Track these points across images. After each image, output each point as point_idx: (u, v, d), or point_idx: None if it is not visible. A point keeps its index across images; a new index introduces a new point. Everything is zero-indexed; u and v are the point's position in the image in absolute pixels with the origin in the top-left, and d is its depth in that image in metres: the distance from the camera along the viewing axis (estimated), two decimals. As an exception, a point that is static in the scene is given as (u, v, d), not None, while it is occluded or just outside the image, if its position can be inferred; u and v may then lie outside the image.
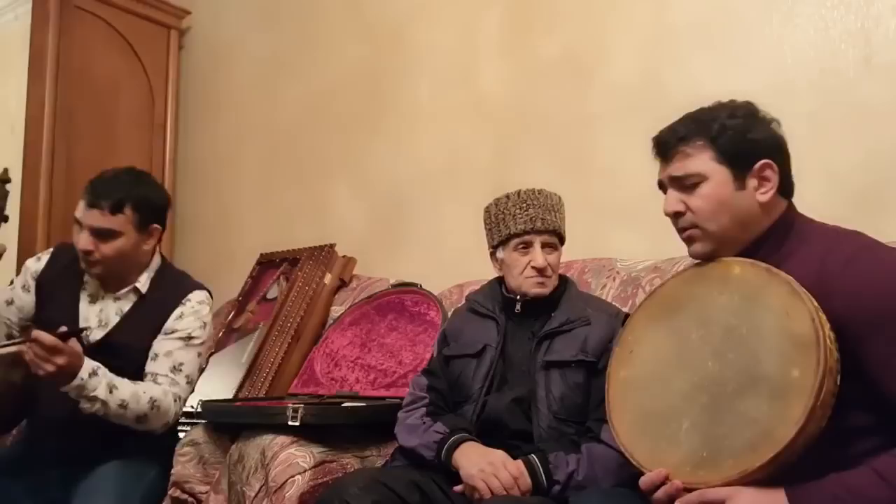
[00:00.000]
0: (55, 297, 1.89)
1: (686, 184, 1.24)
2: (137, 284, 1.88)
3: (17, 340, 1.66)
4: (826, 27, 1.86)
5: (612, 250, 2.01)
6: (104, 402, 1.66)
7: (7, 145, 2.89)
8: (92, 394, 1.64)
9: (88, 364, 1.64)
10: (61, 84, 2.86)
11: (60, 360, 1.57)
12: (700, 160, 1.22)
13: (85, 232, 1.78)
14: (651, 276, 1.83)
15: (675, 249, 1.82)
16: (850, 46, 1.82)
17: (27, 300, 1.91)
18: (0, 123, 2.96)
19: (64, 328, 1.63)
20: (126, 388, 1.71)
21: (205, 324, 1.89)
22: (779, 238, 1.21)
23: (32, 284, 1.91)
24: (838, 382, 1.04)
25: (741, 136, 1.21)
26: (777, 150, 1.23)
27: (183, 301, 1.87)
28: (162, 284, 1.91)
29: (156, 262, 1.94)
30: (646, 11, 2.15)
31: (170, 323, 1.85)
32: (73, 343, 1.62)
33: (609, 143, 2.19)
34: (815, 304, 1.07)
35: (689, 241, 1.27)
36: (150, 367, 1.81)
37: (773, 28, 1.93)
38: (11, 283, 1.96)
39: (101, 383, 1.66)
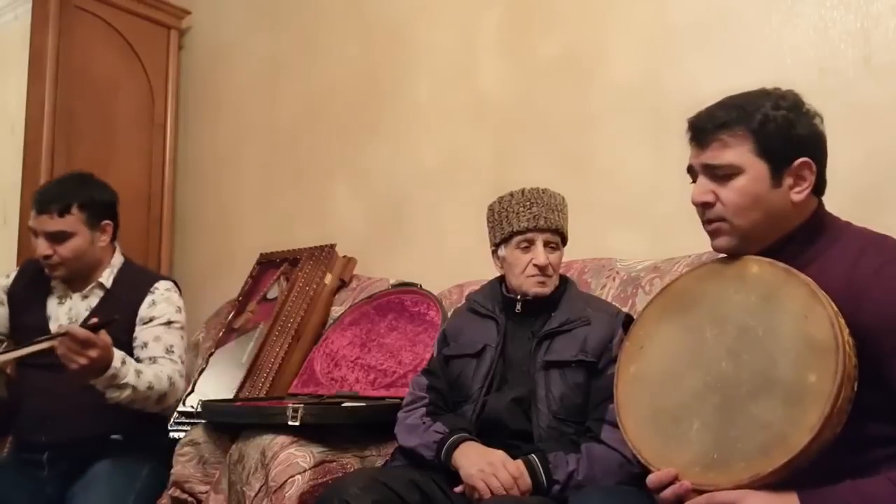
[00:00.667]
0: (25, 305, 1.96)
1: (719, 174, 1.17)
2: (101, 279, 1.94)
3: (46, 338, 1.65)
4: (826, 27, 1.86)
5: (611, 250, 2.01)
6: (134, 388, 1.70)
7: (7, 145, 2.89)
8: (123, 381, 1.68)
9: (118, 353, 1.67)
10: (61, 84, 2.85)
11: (94, 353, 1.60)
12: (738, 151, 1.16)
13: (41, 238, 1.85)
14: (651, 276, 1.82)
15: (675, 249, 1.83)
16: (849, 46, 1.82)
17: (1, 313, 1.98)
18: (0, 123, 2.96)
19: (95, 319, 1.66)
20: (148, 371, 1.77)
21: (179, 308, 1.97)
22: (807, 237, 1.17)
23: (4, 298, 1.98)
24: (856, 389, 1.02)
25: (785, 131, 1.15)
26: (817, 149, 1.18)
27: (151, 290, 1.94)
28: (126, 279, 1.97)
29: (118, 259, 2.00)
30: (645, 11, 2.15)
31: (144, 312, 1.90)
32: (104, 335, 1.63)
33: (609, 143, 2.19)
34: (835, 307, 1.04)
35: (714, 234, 1.21)
36: (143, 353, 1.85)
37: (772, 28, 1.93)
38: None
39: (130, 370, 1.70)
